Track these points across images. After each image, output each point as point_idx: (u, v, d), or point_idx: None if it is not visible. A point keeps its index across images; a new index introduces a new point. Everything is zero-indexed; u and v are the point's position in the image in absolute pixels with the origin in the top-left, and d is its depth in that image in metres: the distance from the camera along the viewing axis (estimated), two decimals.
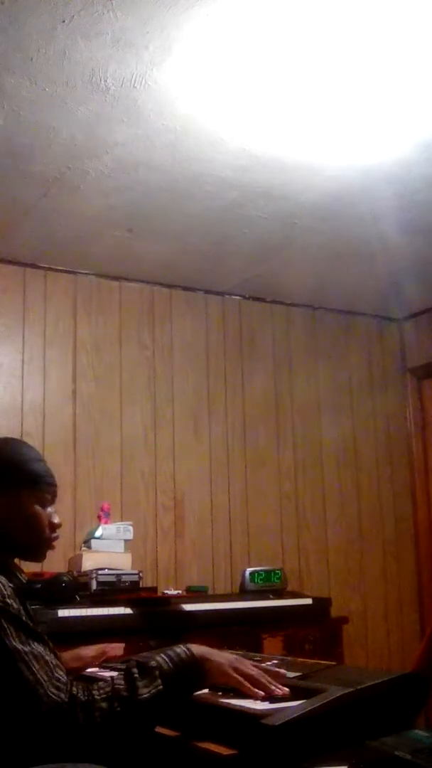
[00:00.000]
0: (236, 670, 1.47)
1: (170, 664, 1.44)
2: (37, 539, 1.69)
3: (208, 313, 4.15)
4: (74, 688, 1.38)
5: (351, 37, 2.20)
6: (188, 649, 1.48)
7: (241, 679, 1.45)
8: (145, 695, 1.39)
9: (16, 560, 1.69)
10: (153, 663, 1.44)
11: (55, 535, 1.73)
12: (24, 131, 2.63)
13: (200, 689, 1.48)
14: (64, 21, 2.11)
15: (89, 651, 1.97)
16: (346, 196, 3.15)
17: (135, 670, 1.43)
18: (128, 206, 3.19)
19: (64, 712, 1.34)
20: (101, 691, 1.38)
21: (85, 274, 3.83)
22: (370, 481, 4.46)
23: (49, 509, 1.72)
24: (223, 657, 1.50)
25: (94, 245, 3.56)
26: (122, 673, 1.44)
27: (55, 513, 1.74)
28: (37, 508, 1.69)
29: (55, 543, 1.75)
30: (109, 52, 2.24)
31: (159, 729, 1.45)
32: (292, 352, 4.36)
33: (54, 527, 1.72)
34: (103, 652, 1.98)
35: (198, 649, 1.49)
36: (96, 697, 1.37)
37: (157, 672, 1.42)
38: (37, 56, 2.26)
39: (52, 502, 1.73)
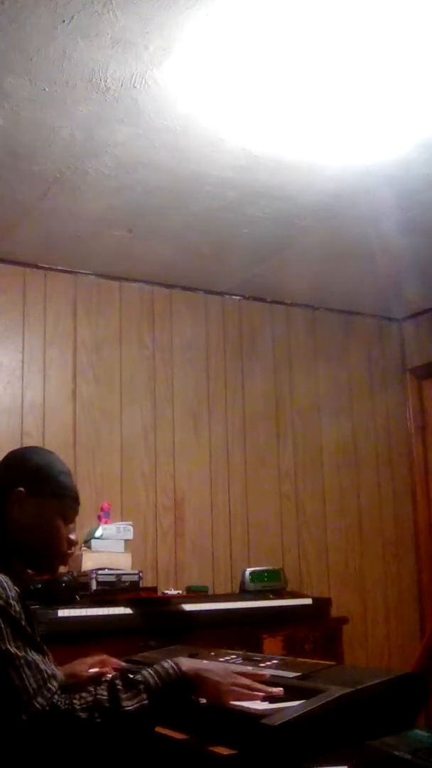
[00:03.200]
0: (232, 684, 1.45)
1: (157, 680, 1.42)
2: (53, 552, 1.67)
3: (208, 313, 4.15)
4: (55, 697, 1.36)
5: (351, 38, 2.20)
6: (177, 665, 1.45)
7: (239, 691, 1.44)
8: (129, 708, 1.37)
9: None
10: (139, 677, 1.42)
11: (70, 551, 1.71)
12: (24, 131, 2.63)
13: (187, 704, 1.45)
14: (64, 21, 2.11)
15: (85, 666, 1.85)
16: (346, 196, 3.15)
17: (118, 681, 1.41)
18: (128, 206, 3.19)
19: (44, 721, 1.33)
20: (82, 701, 1.37)
21: (85, 274, 3.83)
22: (370, 481, 4.46)
23: (70, 526, 1.70)
24: (216, 673, 1.47)
25: (94, 245, 3.56)
26: (106, 684, 1.42)
27: (74, 531, 1.72)
28: (59, 521, 1.66)
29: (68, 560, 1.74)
30: (109, 52, 2.24)
31: (159, 729, 1.45)
32: (292, 352, 4.36)
33: (71, 544, 1.70)
34: (102, 663, 1.86)
35: (188, 664, 1.47)
36: (76, 707, 1.36)
37: (142, 686, 1.40)
38: (37, 56, 2.26)
39: (72, 519, 1.71)
